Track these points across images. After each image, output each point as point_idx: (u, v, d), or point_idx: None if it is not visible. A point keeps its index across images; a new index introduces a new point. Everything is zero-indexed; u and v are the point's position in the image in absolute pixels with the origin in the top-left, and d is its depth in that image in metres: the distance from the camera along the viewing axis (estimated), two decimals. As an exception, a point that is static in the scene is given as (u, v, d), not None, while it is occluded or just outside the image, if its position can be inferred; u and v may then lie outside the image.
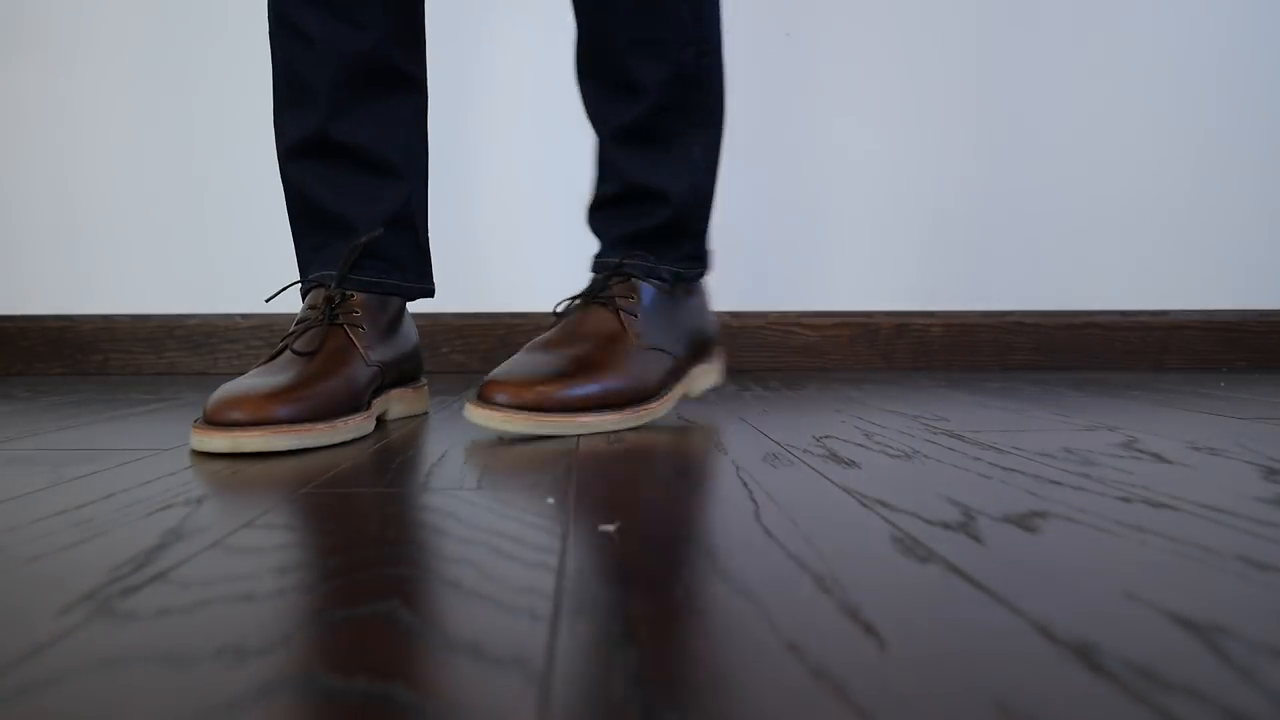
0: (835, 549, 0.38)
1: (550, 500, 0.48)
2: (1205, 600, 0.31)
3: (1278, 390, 1.05)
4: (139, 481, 0.53)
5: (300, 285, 0.82)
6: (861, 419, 0.80)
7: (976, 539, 0.39)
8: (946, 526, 0.41)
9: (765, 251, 1.41)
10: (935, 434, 0.71)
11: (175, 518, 0.44)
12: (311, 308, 0.76)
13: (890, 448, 0.64)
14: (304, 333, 0.73)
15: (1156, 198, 1.45)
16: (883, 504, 0.46)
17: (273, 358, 0.72)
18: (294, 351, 0.71)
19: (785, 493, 0.49)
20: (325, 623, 0.30)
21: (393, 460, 0.61)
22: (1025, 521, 0.42)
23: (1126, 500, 0.46)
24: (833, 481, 0.52)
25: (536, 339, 0.76)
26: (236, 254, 1.42)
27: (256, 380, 0.67)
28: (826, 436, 0.70)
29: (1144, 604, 0.30)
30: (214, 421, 0.63)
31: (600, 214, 0.85)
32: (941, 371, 1.38)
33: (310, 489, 0.51)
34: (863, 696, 0.23)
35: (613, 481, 0.53)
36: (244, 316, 1.41)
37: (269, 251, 1.41)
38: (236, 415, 0.62)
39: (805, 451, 0.63)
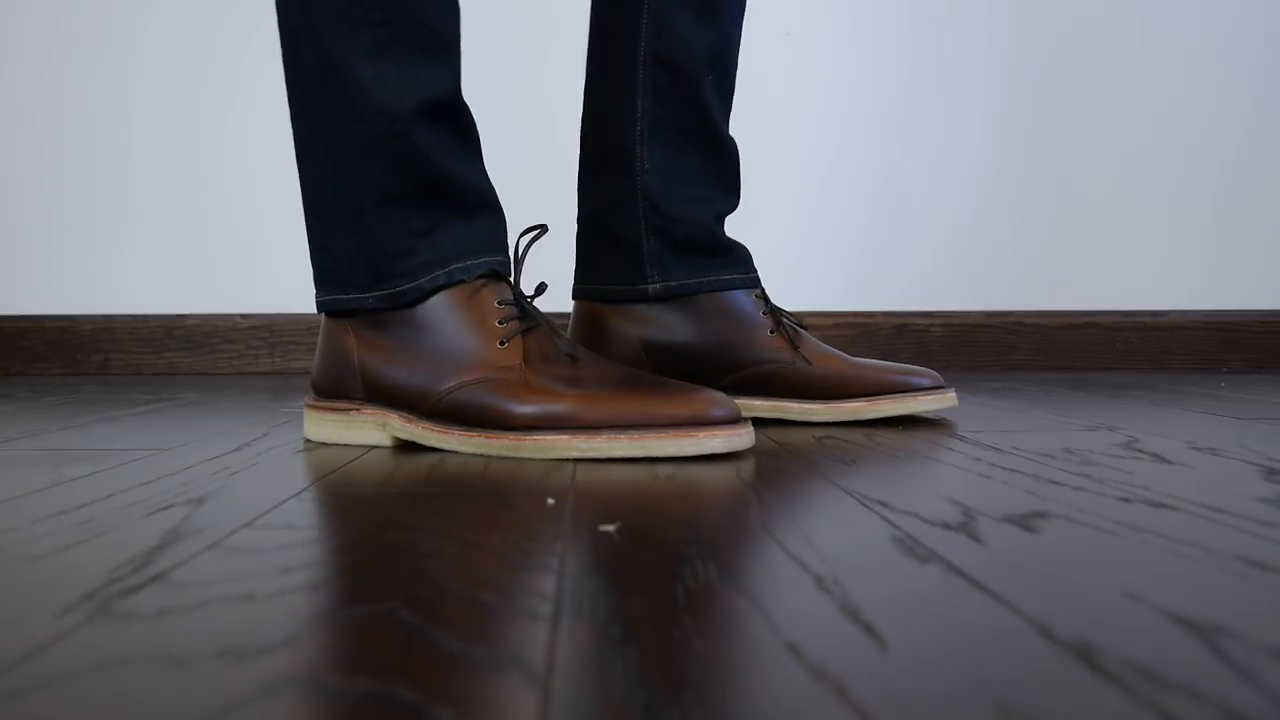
0: (835, 549, 0.38)
1: (550, 500, 0.48)
2: (1205, 600, 0.31)
3: (1278, 390, 1.05)
4: (139, 481, 0.53)
5: (434, 276, 0.65)
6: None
7: (976, 539, 0.39)
8: (946, 526, 0.41)
9: (764, 251, 1.41)
10: (935, 434, 0.71)
11: (175, 518, 0.44)
12: (504, 302, 0.65)
13: (890, 448, 0.64)
14: (554, 334, 0.65)
15: (1157, 198, 1.45)
16: (883, 504, 0.46)
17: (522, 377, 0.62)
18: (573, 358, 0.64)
19: (785, 492, 0.49)
20: (326, 623, 0.30)
21: (393, 460, 0.61)
22: (1025, 521, 0.42)
23: (1126, 500, 0.46)
24: (833, 481, 0.52)
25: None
26: (236, 254, 1.41)
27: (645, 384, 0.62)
28: (827, 436, 0.70)
29: (1144, 604, 0.30)
30: (704, 422, 0.59)
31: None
32: (942, 372, 1.38)
33: (311, 489, 0.51)
34: (863, 697, 0.23)
35: (613, 481, 0.53)
36: (244, 316, 1.41)
37: (269, 251, 1.41)
38: (719, 414, 0.60)
39: (806, 451, 0.63)
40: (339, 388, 0.68)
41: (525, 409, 0.60)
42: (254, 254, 1.41)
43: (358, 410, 0.67)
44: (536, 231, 0.68)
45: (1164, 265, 1.45)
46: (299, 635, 0.28)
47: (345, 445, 0.67)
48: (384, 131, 0.64)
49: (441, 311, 0.65)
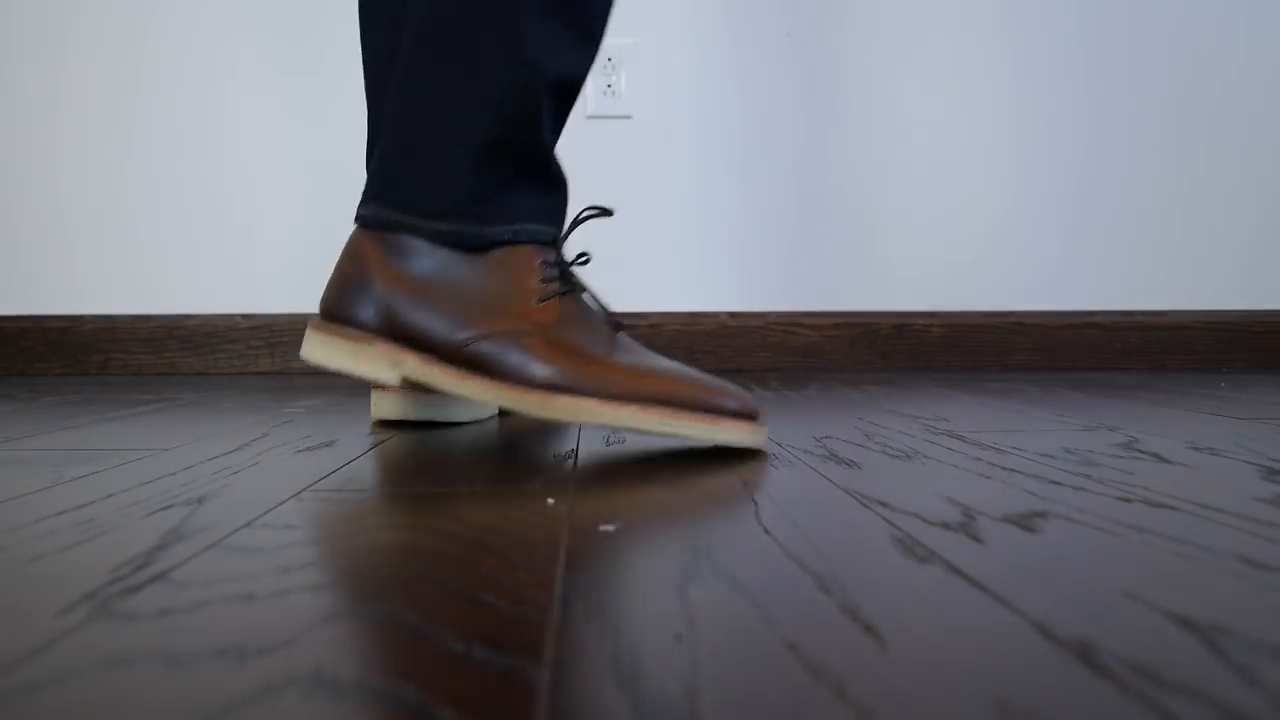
0: (835, 549, 0.38)
1: (550, 500, 0.48)
2: (1205, 600, 0.31)
3: (1278, 390, 1.05)
4: (139, 481, 0.53)
5: (499, 230, 0.66)
6: (862, 419, 0.80)
7: (976, 539, 0.39)
8: (946, 526, 0.41)
9: (765, 252, 1.41)
10: (935, 434, 0.71)
11: (175, 518, 0.44)
12: (547, 263, 0.66)
13: (890, 448, 0.64)
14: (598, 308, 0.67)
15: (1157, 198, 1.45)
16: (883, 504, 0.46)
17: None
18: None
19: (785, 493, 0.49)
20: (327, 623, 0.30)
21: (393, 460, 0.61)
22: (1025, 521, 0.42)
23: (1126, 500, 0.46)
24: (833, 481, 0.52)
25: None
26: (236, 254, 1.42)
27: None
28: (827, 437, 0.70)
29: (1144, 604, 0.30)
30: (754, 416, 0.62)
31: None
32: (941, 372, 1.38)
33: (311, 489, 0.51)
34: (862, 696, 0.23)
35: (613, 481, 0.53)
36: (244, 316, 1.41)
37: (269, 252, 1.41)
38: (738, 406, 0.61)
39: (806, 452, 0.63)
40: (355, 313, 0.65)
41: (551, 369, 0.60)
42: (254, 254, 1.41)
43: (370, 342, 0.64)
44: (595, 213, 0.68)
45: (1164, 265, 1.46)
46: (299, 635, 0.28)
47: (343, 373, 0.65)
48: (522, 85, 0.64)
49: (487, 263, 0.65)
